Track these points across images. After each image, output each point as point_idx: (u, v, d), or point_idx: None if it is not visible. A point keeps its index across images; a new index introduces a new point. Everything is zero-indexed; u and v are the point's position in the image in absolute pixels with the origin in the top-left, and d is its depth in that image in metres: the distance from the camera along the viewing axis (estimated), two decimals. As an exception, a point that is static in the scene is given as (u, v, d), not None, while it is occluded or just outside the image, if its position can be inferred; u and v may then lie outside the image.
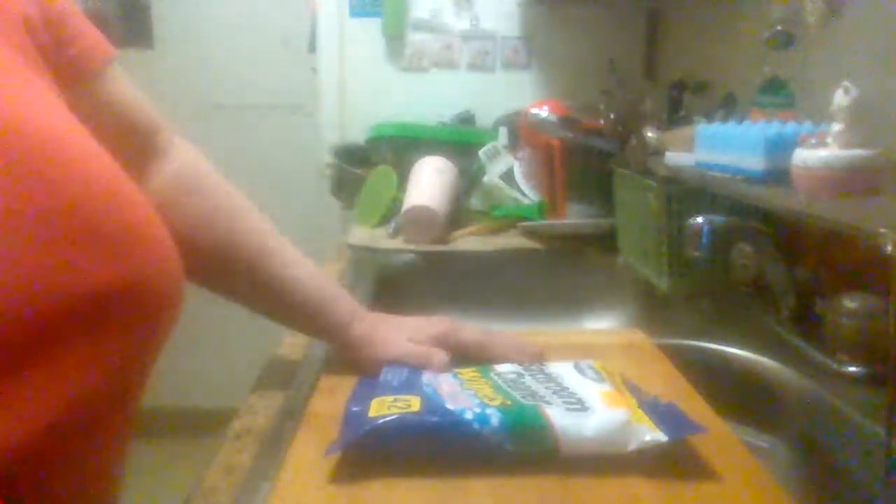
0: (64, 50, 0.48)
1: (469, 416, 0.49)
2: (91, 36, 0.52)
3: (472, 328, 0.67)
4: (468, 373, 0.59)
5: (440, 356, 0.62)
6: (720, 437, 0.53)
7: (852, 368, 0.66)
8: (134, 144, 0.58)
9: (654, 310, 1.04)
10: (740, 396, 0.74)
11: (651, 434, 0.48)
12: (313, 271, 0.66)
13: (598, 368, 0.58)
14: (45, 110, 0.39)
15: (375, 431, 0.49)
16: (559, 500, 0.46)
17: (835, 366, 0.68)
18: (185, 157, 0.63)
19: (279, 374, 0.70)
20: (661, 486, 0.47)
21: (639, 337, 0.76)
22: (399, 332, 0.65)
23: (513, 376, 0.57)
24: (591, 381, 0.55)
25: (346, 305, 0.67)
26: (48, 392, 0.34)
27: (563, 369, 0.58)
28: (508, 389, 0.54)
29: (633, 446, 0.48)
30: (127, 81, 0.56)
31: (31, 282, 0.33)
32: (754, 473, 0.49)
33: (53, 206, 0.34)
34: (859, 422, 0.60)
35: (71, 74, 0.49)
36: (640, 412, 0.50)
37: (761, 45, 0.94)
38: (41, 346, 0.33)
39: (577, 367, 0.58)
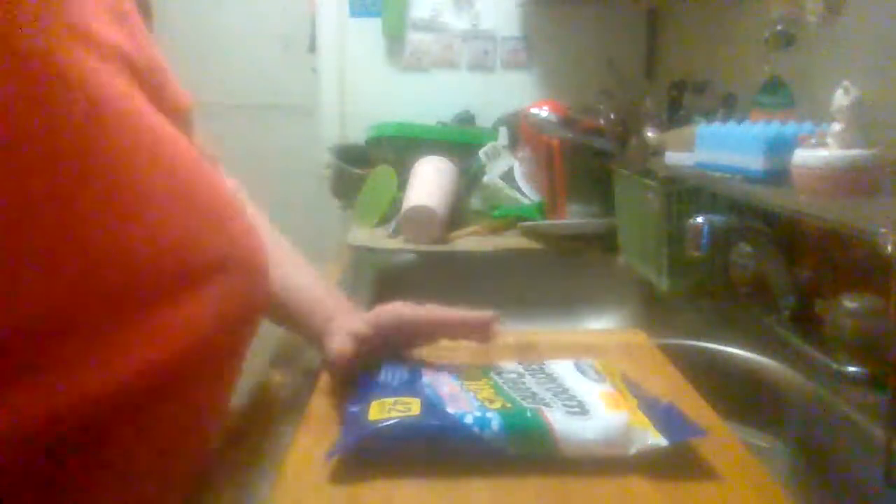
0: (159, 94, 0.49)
1: (469, 419, 0.49)
2: (174, 84, 0.52)
3: (415, 306, 0.66)
4: (469, 373, 0.59)
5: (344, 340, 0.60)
6: (720, 438, 0.53)
7: (852, 368, 0.66)
8: None
9: (654, 310, 1.04)
10: (740, 397, 0.74)
11: (652, 438, 0.48)
12: (304, 272, 0.66)
13: (599, 368, 0.58)
14: (156, 115, 0.44)
15: (375, 435, 0.49)
16: (559, 500, 0.46)
17: (835, 366, 0.68)
18: None
19: (279, 374, 0.70)
20: (661, 486, 0.47)
21: (639, 337, 0.76)
22: (353, 317, 0.63)
23: (513, 376, 0.57)
24: (591, 381, 0.55)
25: (326, 310, 0.64)
26: (163, 336, 0.37)
27: (563, 369, 0.58)
28: (509, 391, 0.54)
29: (633, 450, 0.48)
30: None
31: (174, 242, 0.39)
32: (754, 473, 0.49)
33: (176, 186, 0.41)
34: (859, 422, 0.60)
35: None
36: (640, 415, 0.50)
37: (761, 45, 0.93)
38: (175, 291, 0.38)
39: (577, 366, 0.58)
